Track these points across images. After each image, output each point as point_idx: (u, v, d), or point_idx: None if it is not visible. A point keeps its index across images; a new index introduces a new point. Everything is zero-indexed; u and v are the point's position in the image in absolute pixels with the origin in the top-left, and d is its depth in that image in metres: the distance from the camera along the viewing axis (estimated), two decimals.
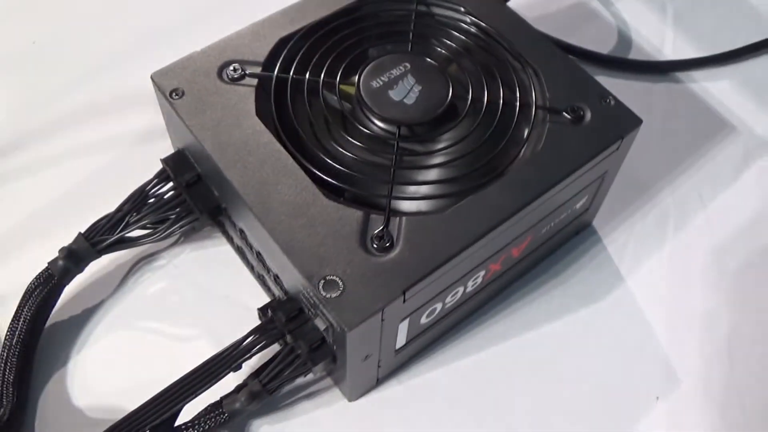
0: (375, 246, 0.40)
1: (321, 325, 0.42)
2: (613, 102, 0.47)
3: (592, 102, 0.47)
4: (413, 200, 0.43)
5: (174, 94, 0.45)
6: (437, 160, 0.44)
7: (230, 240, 0.52)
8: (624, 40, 0.67)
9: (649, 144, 0.58)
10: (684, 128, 0.62)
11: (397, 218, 0.41)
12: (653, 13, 0.70)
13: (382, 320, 0.40)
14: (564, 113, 0.46)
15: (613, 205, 0.54)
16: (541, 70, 0.48)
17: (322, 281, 0.39)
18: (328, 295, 0.39)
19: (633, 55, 0.66)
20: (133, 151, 0.57)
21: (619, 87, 0.52)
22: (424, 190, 0.43)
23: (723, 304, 0.52)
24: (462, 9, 0.51)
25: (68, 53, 0.63)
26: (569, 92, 0.47)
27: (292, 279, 0.42)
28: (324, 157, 0.43)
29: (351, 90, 0.46)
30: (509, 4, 0.54)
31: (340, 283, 0.39)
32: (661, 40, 0.68)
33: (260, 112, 0.45)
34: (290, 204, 0.42)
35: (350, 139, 0.44)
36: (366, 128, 0.45)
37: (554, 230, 0.50)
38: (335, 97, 0.46)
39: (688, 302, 0.52)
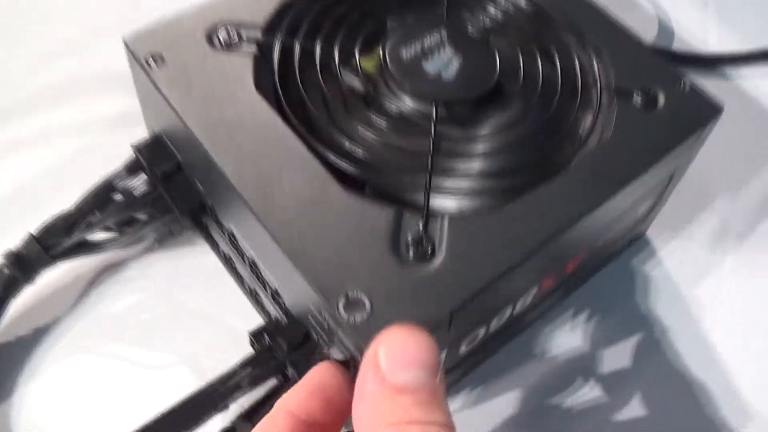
0: (411, 253, 0.31)
1: (337, 355, 0.32)
2: (688, 87, 0.39)
3: (665, 85, 0.39)
4: (456, 196, 0.34)
5: (152, 61, 0.36)
6: (484, 147, 0.35)
7: (215, 247, 0.43)
8: (665, 30, 0.61)
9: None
10: (737, 128, 0.54)
11: (438, 219, 0.32)
12: (694, 2, 0.63)
13: None
14: (634, 96, 0.37)
15: (665, 213, 0.47)
16: (602, 47, 0.39)
17: (343, 300, 0.30)
18: (351, 318, 0.30)
19: (675, 47, 0.59)
20: (101, 140, 0.48)
21: None
22: (467, 184, 0.34)
23: None
24: None
25: (30, 29, 0.54)
26: (637, 74, 0.39)
27: (300, 296, 0.33)
28: (342, 139, 0.34)
29: (372, 63, 0.37)
30: None
31: (367, 303, 0.30)
32: (704, 32, 0.62)
33: (260, 86, 0.36)
34: (298, 198, 0.32)
35: (375, 118, 0.35)
36: (394, 107, 0.36)
37: (613, 239, 0.41)
38: (354, 71, 0.37)
39: (761, 323, 0.45)
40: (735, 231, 0.49)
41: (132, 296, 0.43)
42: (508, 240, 0.32)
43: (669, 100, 0.38)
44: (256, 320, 0.41)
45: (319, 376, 0.31)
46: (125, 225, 0.41)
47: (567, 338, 0.43)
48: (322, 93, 0.36)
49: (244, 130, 0.34)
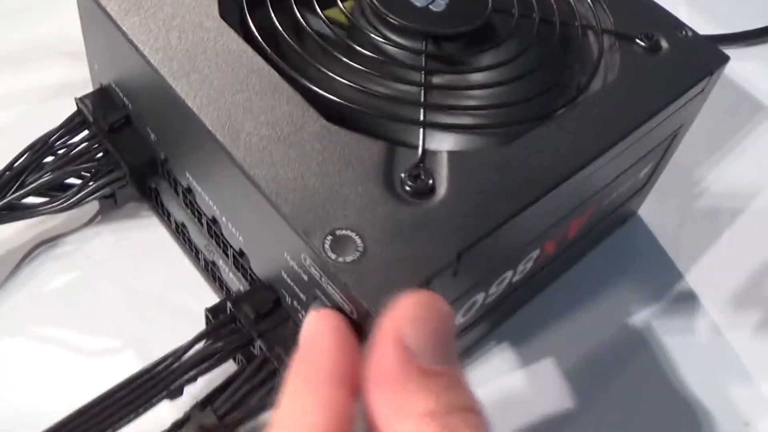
0: (408, 188, 0.27)
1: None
2: (690, 33, 0.35)
3: (667, 31, 0.35)
4: (451, 132, 0.29)
5: None
6: (479, 81, 0.31)
7: (166, 217, 0.38)
8: None
9: None
10: (717, 110, 0.52)
11: (436, 154, 0.28)
12: None
13: None
14: (637, 40, 0.34)
15: (655, 191, 0.43)
16: None
17: (330, 238, 0.25)
18: (340, 259, 0.25)
19: None
20: (43, 106, 0.43)
21: None
22: (463, 120, 0.30)
23: None
24: None
25: None
26: (637, 18, 0.36)
27: (273, 246, 0.28)
28: (321, 71, 0.30)
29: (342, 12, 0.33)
30: None
31: (358, 241, 0.25)
32: (677, 16, 0.58)
33: (225, 13, 0.31)
34: (274, 129, 0.28)
35: (358, 50, 0.31)
36: (380, 41, 0.32)
37: (612, 206, 0.37)
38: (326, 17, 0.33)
39: (762, 300, 0.42)
40: (728, 210, 0.46)
41: (69, 273, 0.37)
42: (518, 178, 0.28)
43: (673, 46, 0.35)
44: (212, 299, 0.36)
45: (339, 329, 0.24)
46: (63, 190, 0.35)
47: (556, 322, 0.39)
48: (296, 21, 0.32)
49: (208, 58, 0.30)
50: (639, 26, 0.35)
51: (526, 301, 0.38)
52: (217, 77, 0.29)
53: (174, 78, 0.29)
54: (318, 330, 0.25)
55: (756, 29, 0.58)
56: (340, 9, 0.32)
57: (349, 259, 0.25)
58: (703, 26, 0.55)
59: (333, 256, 0.25)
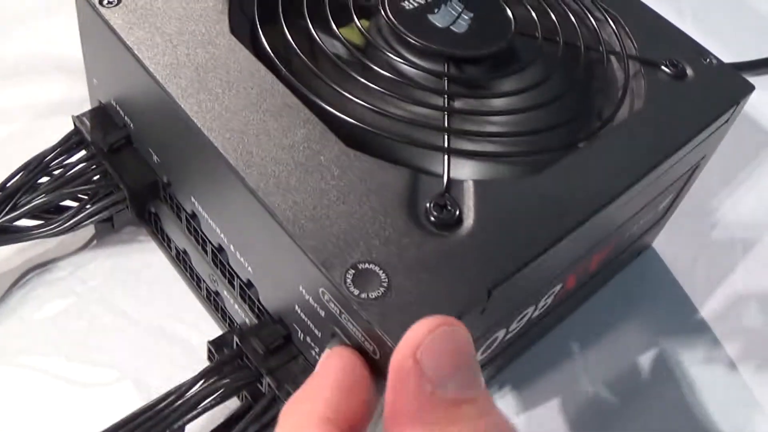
0: (434, 218, 0.25)
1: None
2: (715, 61, 0.34)
3: (691, 59, 0.34)
4: (476, 160, 0.28)
5: (105, 1, 0.30)
6: (505, 107, 0.30)
7: (166, 244, 0.36)
8: None
9: None
10: (730, 139, 0.51)
11: (461, 183, 0.26)
12: (671, 15, 0.60)
13: None
14: (663, 67, 0.33)
15: (669, 223, 0.42)
16: (622, 19, 0.35)
17: (352, 272, 0.23)
18: (362, 295, 0.23)
19: None
20: (39, 123, 0.41)
21: None
22: (490, 148, 0.28)
23: None
24: None
25: None
26: (661, 45, 0.35)
27: (286, 281, 0.26)
28: (340, 93, 0.28)
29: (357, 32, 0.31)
30: None
31: (382, 275, 0.23)
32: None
33: (236, 30, 0.30)
34: (288, 152, 0.26)
35: (377, 69, 0.29)
36: (399, 62, 0.30)
37: (631, 239, 0.36)
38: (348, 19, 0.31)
39: None
40: (741, 242, 0.45)
41: (63, 301, 0.35)
42: (548, 211, 0.27)
43: (698, 73, 0.34)
44: (215, 331, 0.34)
45: (348, 367, 0.23)
46: (58, 212, 0.33)
47: (570, 357, 0.38)
48: (311, 41, 0.30)
49: (219, 76, 0.28)
50: (663, 52, 0.34)
51: (541, 337, 0.37)
52: (228, 96, 0.28)
53: (182, 96, 0.27)
54: (325, 368, 0.23)
55: (756, 60, 0.57)
56: (357, 27, 0.31)
57: (372, 295, 0.23)
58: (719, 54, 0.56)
59: (356, 292, 0.23)
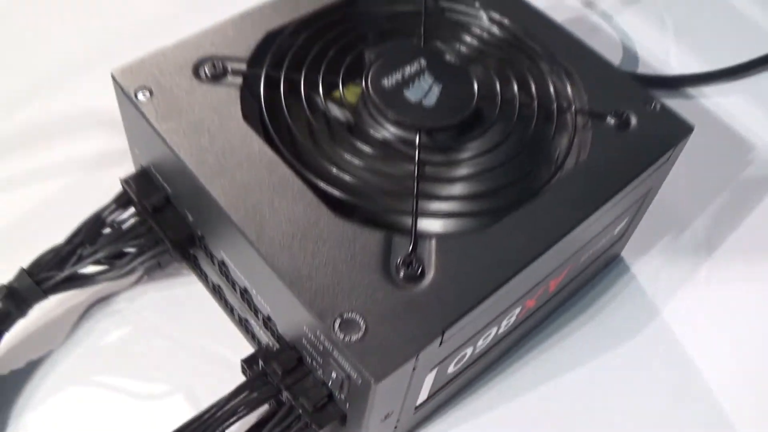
0: (402, 275, 0.32)
1: (333, 376, 0.33)
2: (659, 107, 0.40)
3: (636, 107, 0.40)
4: (442, 218, 0.35)
5: (140, 95, 0.37)
6: (466, 171, 0.36)
7: (204, 278, 0.43)
8: (629, 54, 0.63)
9: None
10: (702, 146, 0.56)
11: (426, 240, 0.33)
12: (654, 26, 0.65)
13: (414, 369, 0.31)
14: (608, 118, 0.39)
15: (637, 232, 0.48)
16: (574, 71, 0.41)
17: (338, 320, 0.31)
18: (346, 338, 0.30)
19: (640, 70, 0.61)
20: (88, 177, 0.49)
21: None
22: (452, 207, 0.35)
23: None
24: (477, 4, 0.43)
25: (10, 65, 0.54)
26: (609, 96, 0.40)
27: (294, 319, 0.33)
28: (329, 167, 0.35)
29: (354, 93, 0.38)
30: None
31: (362, 323, 0.31)
32: (666, 54, 0.63)
33: (247, 116, 0.37)
34: (290, 224, 0.33)
35: (360, 145, 0.36)
36: (378, 134, 0.37)
37: (590, 260, 0.42)
38: (337, 101, 0.38)
39: (733, 333, 0.46)
40: (706, 245, 0.50)
41: (122, 329, 0.43)
42: (496, 259, 0.33)
43: (641, 120, 0.40)
44: (247, 349, 0.42)
45: None
46: (115, 258, 0.41)
47: (552, 353, 0.44)
48: (308, 122, 0.37)
49: (234, 159, 0.35)
50: (611, 103, 0.40)
51: (517, 343, 0.43)
52: (243, 177, 0.35)
53: (206, 178, 0.35)
54: None
55: (741, 64, 0.61)
56: (344, 96, 0.37)
57: (354, 338, 0.30)
58: (690, 62, 0.61)
59: (341, 336, 0.30)
